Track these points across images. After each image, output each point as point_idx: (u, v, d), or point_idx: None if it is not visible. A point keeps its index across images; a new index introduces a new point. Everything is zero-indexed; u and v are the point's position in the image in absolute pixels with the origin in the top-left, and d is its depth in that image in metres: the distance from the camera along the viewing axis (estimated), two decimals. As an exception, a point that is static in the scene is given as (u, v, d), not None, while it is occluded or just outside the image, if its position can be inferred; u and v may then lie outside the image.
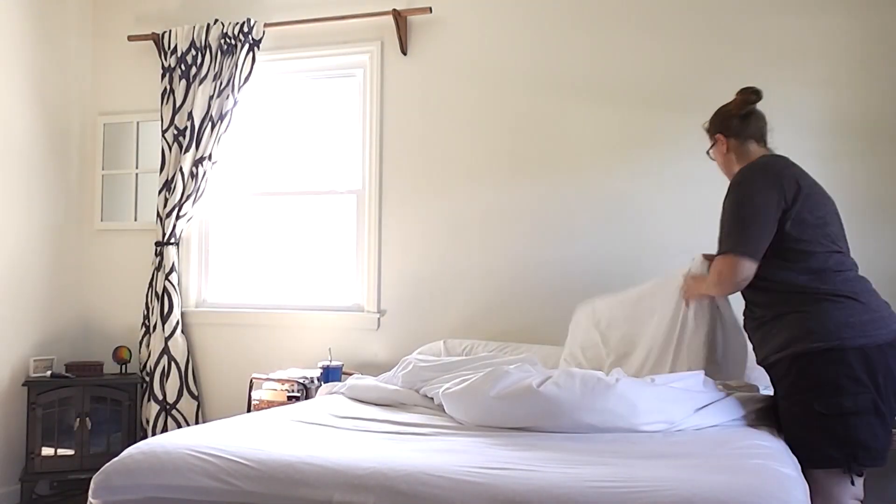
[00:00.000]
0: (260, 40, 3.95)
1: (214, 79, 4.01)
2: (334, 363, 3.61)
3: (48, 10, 4.13)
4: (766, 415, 2.39)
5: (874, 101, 3.27)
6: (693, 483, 1.67)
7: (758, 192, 2.31)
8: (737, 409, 2.38)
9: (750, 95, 2.51)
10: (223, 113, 3.96)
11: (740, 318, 2.56)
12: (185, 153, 4.00)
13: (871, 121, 3.27)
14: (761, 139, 2.52)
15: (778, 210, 2.28)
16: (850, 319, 2.21)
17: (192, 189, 3.99)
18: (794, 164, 2.42)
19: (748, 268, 2.29)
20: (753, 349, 2.46)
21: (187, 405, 3.98)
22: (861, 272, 2.39)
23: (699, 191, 3.38)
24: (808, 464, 2.13)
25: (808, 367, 2.22)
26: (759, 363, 2.42)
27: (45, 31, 4.10)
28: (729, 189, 2.40)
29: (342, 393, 3.01)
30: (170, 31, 4.09)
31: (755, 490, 1.64)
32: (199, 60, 4.04)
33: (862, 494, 2.27)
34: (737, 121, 2.52)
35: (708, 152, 2.63)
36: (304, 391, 3.44)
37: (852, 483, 2.22)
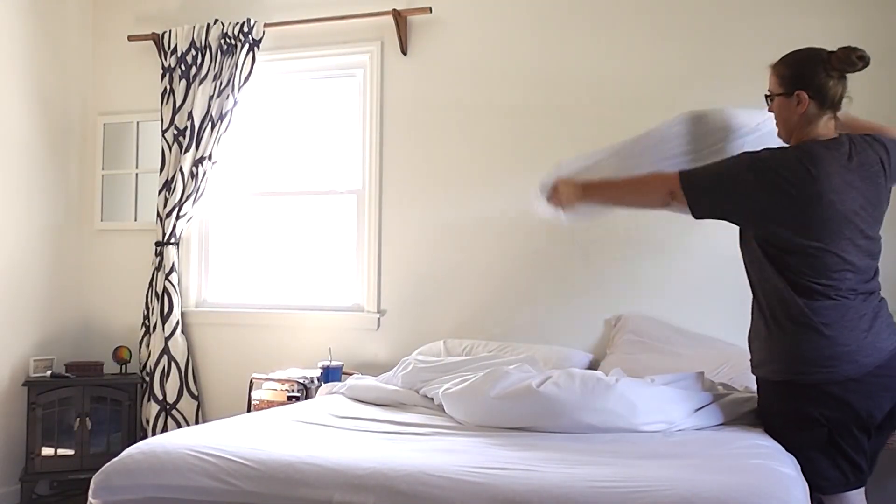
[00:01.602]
0: (260, 40, 3.95)
1: (214, 79, 4.01)
2: (334, 363, 3.61)
3: (48, 9, 4.13)
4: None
5: (874, 101, 3.27)
6: (693, 483, 1.67)
7: (766, 178, 2.05)
8: (736, 410, 2.38)
9: (857, 60, 2.08)
10: (223, 113, 3.96)
11: None
12: (185, 153, 4.00)
13: (871, 120, 3.27)
14: (834, 113, 2.15)
15: (770, 208, 2.07)
16: (810, 354, 2.06)
17: (192, 189, 3.99)
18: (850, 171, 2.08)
19: (674, 193, 2.14)
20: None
21: (187, 405, 3.98)
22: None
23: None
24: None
25: (767, 394, 2.23)
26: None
27: (45, 31, 4.10)
28: (754, 152, 2.13)
29: (342, 393, 3.01)
30: (170, 31, 4.09)
31: (755, 490, 1.64)
32: (199, 60, 4.04)
33: None
34: (832, 81, 2.11)
35: (769, 98, 2.22)
36: (304, 391, 3.44)
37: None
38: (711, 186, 2.17)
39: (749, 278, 2.26)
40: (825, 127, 2.15)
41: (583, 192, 2.35)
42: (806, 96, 2.12)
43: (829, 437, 2.08)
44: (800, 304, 2.06)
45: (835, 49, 2.13)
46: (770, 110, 2.25)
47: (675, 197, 2.16)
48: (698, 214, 2.18)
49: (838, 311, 2.06)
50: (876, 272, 2.16)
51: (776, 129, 2.25)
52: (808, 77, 2.13)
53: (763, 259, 2.15)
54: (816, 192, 2.03)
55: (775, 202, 2.07)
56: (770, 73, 2.23)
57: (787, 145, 2.21)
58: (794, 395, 2.10)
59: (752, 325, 2.29)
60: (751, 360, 2.29)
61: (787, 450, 2.04)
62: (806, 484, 1.92)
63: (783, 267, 2.10)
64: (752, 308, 2.29)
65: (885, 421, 2.13)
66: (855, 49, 2.09)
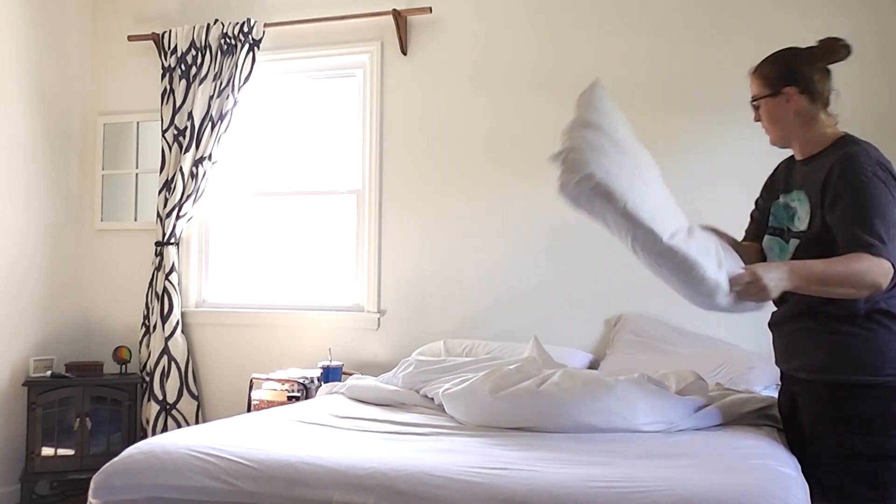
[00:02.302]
0: (260, 40, 3.95)
1: (214, 79, 4.01)
2: (334, 363, 3.60)
3: (48, 10, 4.13)
4: (765, 415, 2.38)
5: (874, 101, 3.27)
6: (693, 483, 1.67)
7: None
8: (736, 410, 2.38)
9: (840, 49, 2.02)
10: (223, 113, 3.96)
11: None
12: (185, 153, 4.00)
13: (871, 121, 3.27)
14: (827, 109, 2.06)
15: None
16: None
17: (192, 189, 3.99)
18: None
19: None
20: (778, 353, 2.21)
21: (187, 405, 3.98)
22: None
23: (701, 190, 3.38)
24: (832, 497, 1.97)
25: (849, 401, 1.96)
26: (778, 365, 2.22)
27: (45, 31, 4.10)
28: (853, 167, 1.94)
29: (342, 393, 3.01)
30: (170, 31, 4.09)
31: (755, 490, 1.64)
32: (199, 60, 4.04)
33: None
34: (818, 74, 2.04)
35: (755, 106, 2.13)
36: (304, 391, 3.44)
37: None
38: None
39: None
40: (830, 126, 2.07)
41: (792, 284, 1.94)
42: (795, 91, 2.05)
43: None
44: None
45: (815, 44, 2.07)
46: (756, 119, 2.16)
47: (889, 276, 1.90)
48: None
49: None
50: None
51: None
52: (793, 72, 2.06)
53: None
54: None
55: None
56: (752, 79, 2.16)
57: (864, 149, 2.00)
58: (888, 398, 1.94)
59: (813, 318, 2.05)
60: (792, 359, 2.13)
61: (860, 462, 1.93)
62: (806, 484, 1.92)
63: None
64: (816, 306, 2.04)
65: None
66: (837, 39, 2.03)
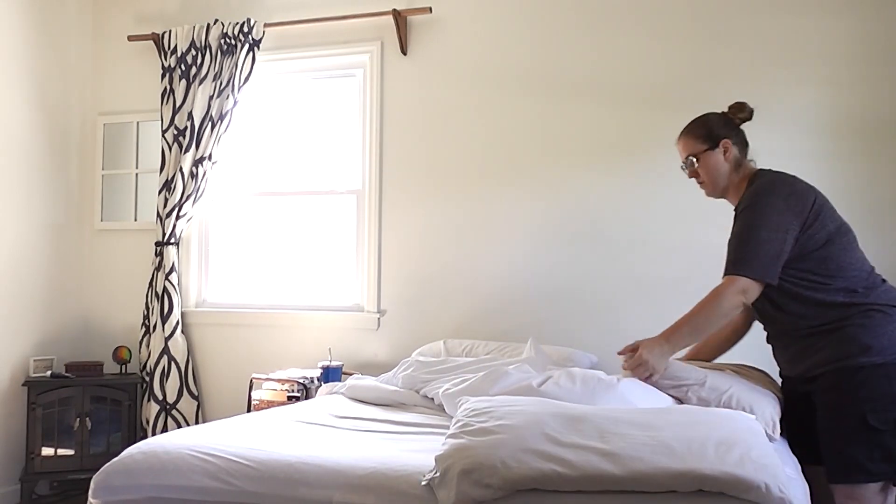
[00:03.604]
0: (260, 40, 3.95)
1: (214, 79, 4.01)
2: (334, 363, 3.60)
3: (48, 10, 4.13)
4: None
5: (874, 101, 3.27)
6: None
7: (778, 210, 2.22)
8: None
9: (746, 108, 2.43)
10: (223, 113, 3.96)
11: None
12: (185, 153, 4.00)
13: (871, 121, 3.27)
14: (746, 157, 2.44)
15: (797, 229, 2.21)
16: None
17: (192, 189, 3.99)
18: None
19: (753, 289, 2.22)
20: (784, 362, 2.41)
21: (187, 405, 3.98)
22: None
23: (701, 192, 3.38)
24: (844, 477, 2.12)
25: (863, 382, 2.14)
26: (792, 375, 2.38)
27: (45, 31, 4.10)
28: (746, 200, 2.30)
29: (342, 393, 3.01)
30: (170, 31, 4.09)
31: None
32: (199, 60, 4.04)
33: None
34: (737, 128, 2.43)
35: (690, 164, 2.44)
36: (304, 391, 3.44)
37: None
38: (773, 253, 2.22)
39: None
40: (750, 168, 2.41)
41: (670, 347, 2.30)
42: (729, 142, 2.38)
43: None
44: (877, 289, 2.25)
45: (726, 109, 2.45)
46: (691, 176, 2.47)
47: (748, 291, 2.22)
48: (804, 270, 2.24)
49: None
50: None
51: None
52: (723, 127, 2.41)
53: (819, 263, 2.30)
54: (808, 188, 2.35)
55: (805, 209, 2.29)
56: (682, 143, 2.46)
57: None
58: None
59: (794, 327, 2.29)
60: (801, 362, 2.29)
61: (873, 437, 2.10)
62: (806, 484, 1.92)
63: (841, 263, 2.30)
64: (792, 316, 2.29)
65: None
66: (744, 103, 2.43)
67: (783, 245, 2.20)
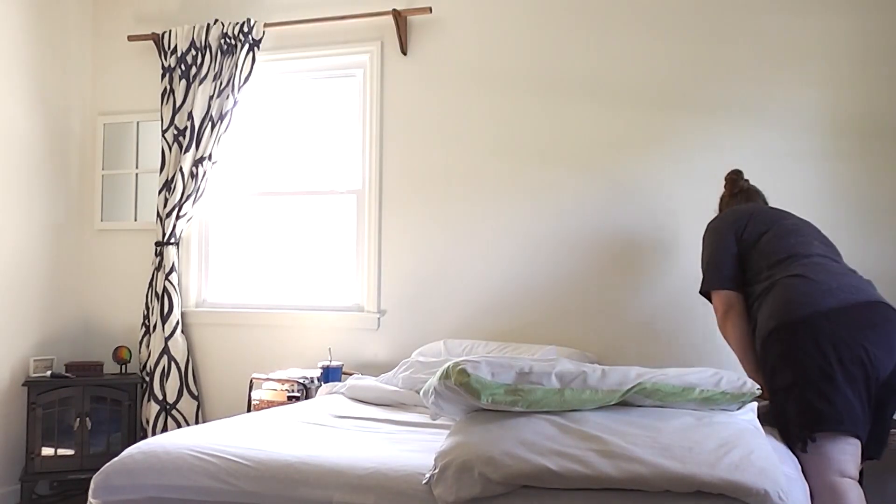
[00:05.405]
0: (260, 40, 3.95)
1: (214, 79, 4.01)
2: (334, 363, 3.60)
3: (48, 10, 4.13)
4: (765, 417, 2.38)
5: (873, 101, 3.27)
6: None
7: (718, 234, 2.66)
8: (748, 409, 2.36)
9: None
10: (223, 113, 3.96)
11: None
12: (185, 153, 4.00)
13: (871, 121, 3.27)
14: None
15: (734, 243, 2.58)
16: (792, 295, 2.28)
17: (192, 189, 3.99)
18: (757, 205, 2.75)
19: (730, 296, 2.55)
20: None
21: (187, 405, 3.98)
22: (860, 273, 2.40)
23: (701, 191, 3.39)
24: (791, 446, 2.19)
25: (765, 349, 2.33)
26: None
27: (45, 31, 4.10)
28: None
29: (342, 393, 3.01)
30: (170, 31, 4.09)
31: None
32: (199, 60, 4.04)
33: (855, 473, 2.17)
34: (725, 201, 2.92)
35: None
36: (304, 391, 3.44)
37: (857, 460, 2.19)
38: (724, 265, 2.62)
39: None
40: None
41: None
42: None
43: (821, 369, 2.18)
44: (786, 265, 2.50)
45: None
46: None
47: (732, 305, 2.56)
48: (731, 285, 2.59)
49: (817, 266, 2.46)
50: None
51: None
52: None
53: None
54: (747, 210, 2.78)
55: (736, 228, 2.73)
56: None
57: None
58: (789, 335, 2.27)
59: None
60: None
61: (783, 400, 2.24)
62: (806, 484, 1.92)
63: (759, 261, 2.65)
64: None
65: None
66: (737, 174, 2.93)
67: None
